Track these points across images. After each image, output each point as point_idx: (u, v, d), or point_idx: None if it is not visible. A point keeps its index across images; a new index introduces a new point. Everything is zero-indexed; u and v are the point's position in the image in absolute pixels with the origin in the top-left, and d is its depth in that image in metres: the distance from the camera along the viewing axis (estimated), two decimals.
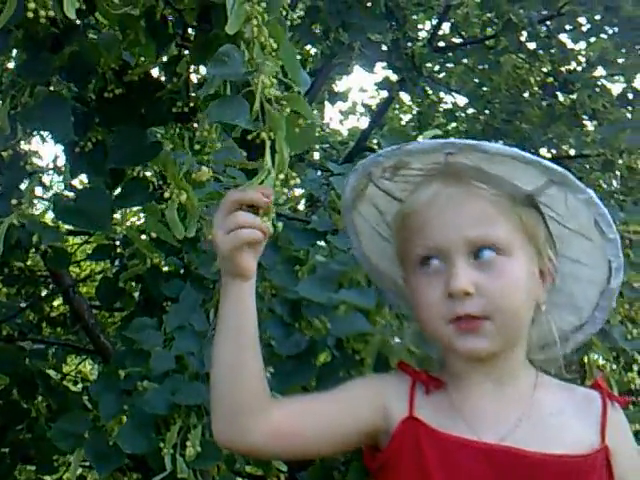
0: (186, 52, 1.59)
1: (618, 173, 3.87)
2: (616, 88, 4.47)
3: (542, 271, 1.16)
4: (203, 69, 1.56)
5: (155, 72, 1.66)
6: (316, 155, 5.41)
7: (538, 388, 1.16)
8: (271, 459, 1.80)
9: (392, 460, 1.16)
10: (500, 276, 1.10)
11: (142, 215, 2.18)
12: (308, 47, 4.50)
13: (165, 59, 1.61)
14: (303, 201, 2.75)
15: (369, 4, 3.49)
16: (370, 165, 1.19)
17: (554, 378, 1.20)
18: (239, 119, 1.16)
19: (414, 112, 5.96)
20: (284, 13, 1.33)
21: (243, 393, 1.14)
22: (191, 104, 1.59)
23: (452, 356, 1.17)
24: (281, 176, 1.16)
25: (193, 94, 1.61)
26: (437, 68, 4.99)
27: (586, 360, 1.83)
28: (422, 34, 4.85)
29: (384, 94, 5.39)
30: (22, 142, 1.65)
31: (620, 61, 4.03)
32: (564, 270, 1.19)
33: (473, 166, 1.12)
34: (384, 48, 4.06)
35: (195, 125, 1.66)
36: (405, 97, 5.74)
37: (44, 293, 3.59)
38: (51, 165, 1.84)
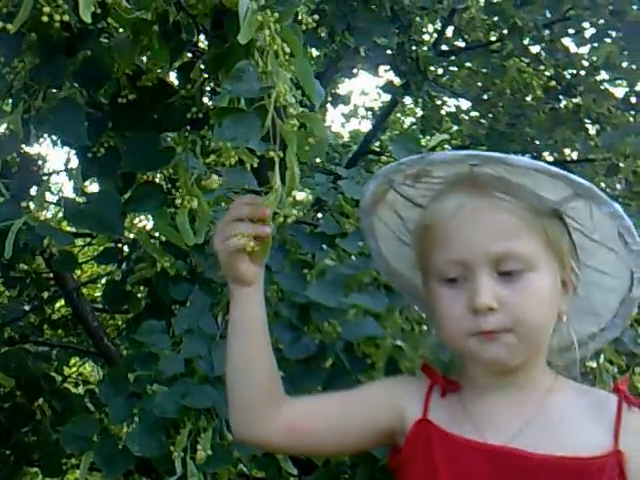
0: (200, 58, 1.59)
1: (622, 177, 3.88)
2: (618, 92, 4.49)
3: (564, 281, 1.16)
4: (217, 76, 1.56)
5: (169, 78, 1.66)
6: (317, 158, 5.40)
7: (552, 392, 1.16)
8: (286, 454, 1.84)
9: (407, 461, 1.18)
10: (524, 291, 1.10)
11: (150, 218, 2.18)
12: (311, 50, 4.50)
13: (178, 65, 1.61)
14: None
15: (374, 7, 3.49)
16: (392, 172, 1.19)
17: (573, 381, 1.20)
18: (252, 140, 1.17)
19: (417, 115, 5.96)
20: (299, 17, 1.33)
21: (254, 393, 1.18)
22: (204, 110, 1.59)
23: (471, 363, 1.17)
24: (294, 193, 1.17)
25: (207, 100, 1.61)
26: (440, 72, 4.99)
27: (595, 364, 1.83)
28: (426, 37, 4.86)
29: (386, 97, 5.39)
30: (33, 146, 1.65)
31: (624, 65, 4.04)
32: (586, 279, 1.19)
33: (497, 177, 1.12)
34: (389, 52, 4.06)
35: (208, 131, 1.65)
36: (407, 100, 5.75)
37: (46, 295, 3.58)
38: (61, 169, 1.84)
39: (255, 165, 1.60)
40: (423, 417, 1.17)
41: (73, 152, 1.66)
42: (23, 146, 1.64)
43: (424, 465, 1.15)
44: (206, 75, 1.59)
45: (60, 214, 1.69)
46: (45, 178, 1.68)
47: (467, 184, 1.14)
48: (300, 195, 2.22)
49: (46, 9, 1.29)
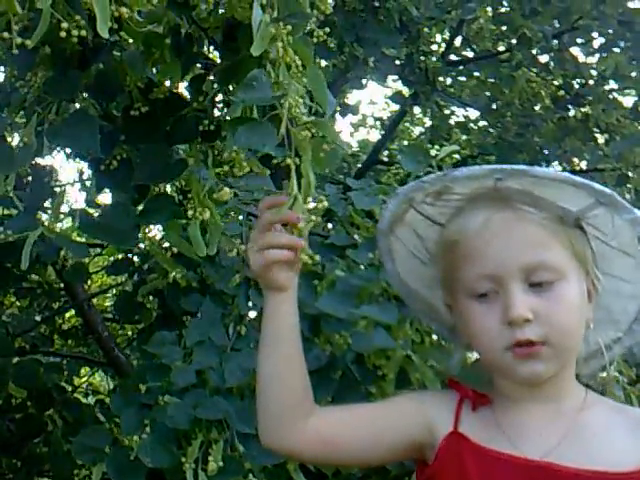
0: (211, 71, 1.60)
1: (632, 187, 3.87)
2: (627, 102, 4.49)
3: (588, 289, 1.16)
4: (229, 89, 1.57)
5: (181, 90, 1.68)
6: (332, 165, 5.40)
7: (585, 408, 1.15)
8: (313, 464, 1.83)
9: (437, 474, 1.16)
10: (556, 301, 1.10)
11: (161, 229, 2.19)
12: (319, 60, 4.52)
13: (190, 77, 1.63)
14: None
15: (383, 18, 3.51)
16: (412, 191, 1.18)
17: (605, 398, 1.20)
18: (267, 145, 1.17)
19: (426, 125, 5.97)
20: (309, 29, 1.34)
21: (282, 402, 1.16)
22: (216, 123, 1.60)
23: (502, 377, 1.17)
24: (309, 199, 1.18)
25: (218, 112, 1.62)
26: (449, 82, 5.00)
27: (605, 375, 1.83)
28: (435, 48, 4.87)
29: (394, 107, 5.41)
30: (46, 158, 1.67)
31: (633, 74, 4.05)
32: (605, 286, 1.18)
33: (521, 190, 1.12)
34: (397, 62, 4.08)
35: (219, 143, 1.66)
36: (415, 110, 5.76)
37: (57, 306, 3.59)
38: (75, 181, 1.85)
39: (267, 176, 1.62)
40: (454, 430, 1.16)
41: (86, 164, 1.67)
42: (36, 158, 1.66)
43: (456, 478, 1.13)
44: (217, 87, 1.60)
45: (73, 225, 1.70)
46: (60, 190, 1.69)
47: (489, 198, 1.14)
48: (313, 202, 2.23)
49: (64, 24, 1.30)
